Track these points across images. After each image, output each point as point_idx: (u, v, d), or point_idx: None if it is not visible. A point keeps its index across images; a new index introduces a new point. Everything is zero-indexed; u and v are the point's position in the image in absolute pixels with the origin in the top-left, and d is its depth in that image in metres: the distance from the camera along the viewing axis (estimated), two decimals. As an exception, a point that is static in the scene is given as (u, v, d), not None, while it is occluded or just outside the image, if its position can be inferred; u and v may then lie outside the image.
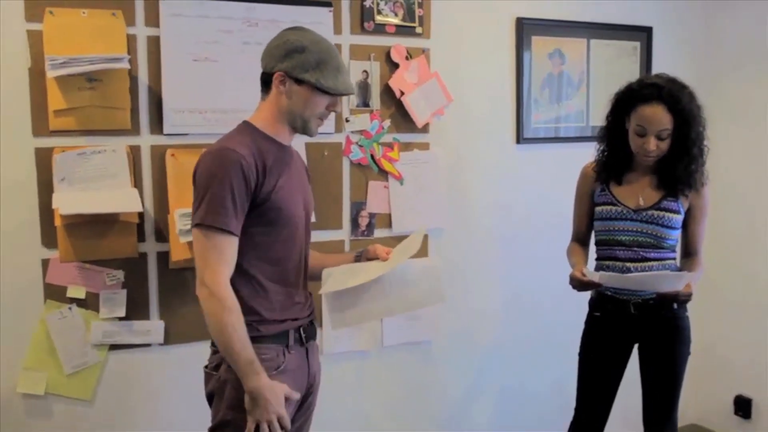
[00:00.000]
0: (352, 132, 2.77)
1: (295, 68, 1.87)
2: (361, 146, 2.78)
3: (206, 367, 1.95)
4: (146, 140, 2.46)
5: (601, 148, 2.51)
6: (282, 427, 1.83)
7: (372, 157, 2.81)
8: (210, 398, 1.94)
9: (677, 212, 2.41)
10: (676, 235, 2.45)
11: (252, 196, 1.84)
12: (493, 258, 3.15)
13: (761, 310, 3.43)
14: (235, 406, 1.84)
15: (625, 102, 2.39)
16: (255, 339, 1.85)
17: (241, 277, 1.86)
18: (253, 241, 1.88)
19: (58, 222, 2.30)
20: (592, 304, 2.57)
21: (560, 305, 3.13)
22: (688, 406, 3.77)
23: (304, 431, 2.10)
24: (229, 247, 1.82)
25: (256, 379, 1.79)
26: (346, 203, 2.79)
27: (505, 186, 3.14)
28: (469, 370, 3.15)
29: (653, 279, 2.34)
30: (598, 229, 2.51)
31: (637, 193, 2.44)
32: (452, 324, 3.07)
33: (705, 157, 2.41)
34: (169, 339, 2.54)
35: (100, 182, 2.37)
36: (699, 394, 3.75)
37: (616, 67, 3.33)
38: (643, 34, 3.40)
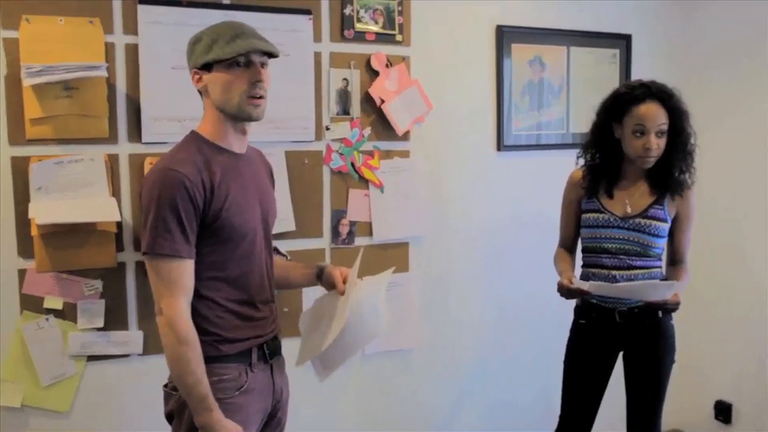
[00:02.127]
0: (333, 140, 2.76)
1: (198, 58, 1.81)
2: (341, 154, 2.78)
3: (166, 386, 1.88)
4: (124, 149, 2.44)
5: (588, 159, 2.51)
6: None
7: (352, 165, 2.80)
8: (169, 418, 1.88)
9: (664, 220, 2.42)
10: (663, 243, 2.46)
11: (201, 215, 1.75)
12: (475, 266, 3.15)
13: (741, 316, 3.45)
14: (195, 430, 1.77)
15: (616, 108, 2.40)
16: (216, 359, 1.80)
17: (198, 300, 1.79)
18: (208, 261, 1.79)
19: (34, 232, 2.27)
20: (578, 311, 2.58)
21: (543, 313, 3.14)
22: (669, 412, 3.75)
23: None
24: (183, 272, 1.73)
25: (208, 416, 1.73)
26: (326, 211, 2.78)
27: (486, 193, 3.14)
28: (451, 378, 3.15)
29: (643, 288, 2.34)
30: (584, 236, 2.51)
31: (624, 200, 2.45)
32: (434, 332, 3.06)
33: (693, 158, 2.43)
34: (148, 349, 2.51)
35: (77, 191, 2.35)
36: (680, 400, 3.76)
37: (596, 74, 3.35)
38: (622, 42, 3.42)
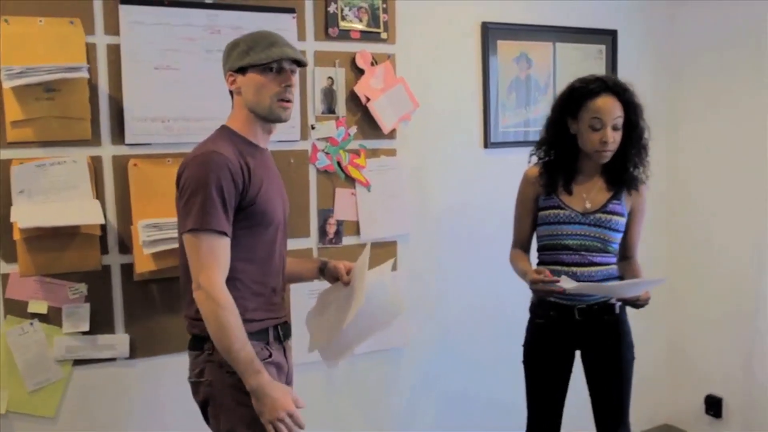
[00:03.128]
0: (318, 139, 2.75)
1: (234, 62, 1.96)
2: (327, 153, 2.76)
3: (190, 377, 1.97)
4: (108, 151, 2.41)
5: (543, 156, 2.50)
6: (297, 425, 1.83)
7: (338, 164, 2.79)
8: (204, 405, 1.95)
9: (622, 215, 2.42)
10: (620, 238, 2.45)
11: (239, 198, 1.88)
12: (462, 263, 3.14)
13: (731, 311, 3.46)
14: (232, 410, 1.88)
15: (571, 103, 2.39)
16: None
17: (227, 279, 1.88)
18: (239, 243, 1.90)
19: (17, 236, 2.25)
20: (534, 310, 2.54)
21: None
22: (660, 407, 3.79)
23: None
24: (224, 248, 1.85)
25: (258, 378, 1.81)
26: (313, 211, 2.77)
27: (473, 191, 3.14)
28: (440, 376, 3.14)
29: (625, 285, 2.34)
30: (542, 234, 2.48)
31: (582, 196, 2.43)
32: (422, 330, 3.05)
33: (647, 153, 2.43)
34: (135, 353, 2.49)
35: (60, 194, 2.32)
36: (670, 395, 3.78)
37: (582, 70, 3.29)
38: (608, 37, 3.43)
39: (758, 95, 3.25)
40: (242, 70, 1.95)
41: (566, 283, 2.27)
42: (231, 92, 2.02)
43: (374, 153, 2.87)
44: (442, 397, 3.15)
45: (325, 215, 2.78)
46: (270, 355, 1.95)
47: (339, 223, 2.81)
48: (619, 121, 2.33)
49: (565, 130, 2.41)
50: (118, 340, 2.47)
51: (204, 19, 2.50)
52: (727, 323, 3.48)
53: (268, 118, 1.98)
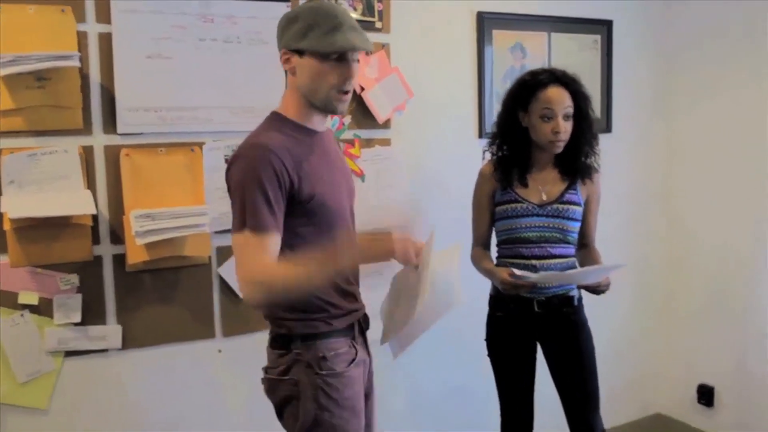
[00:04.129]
0: (313, 129, 2.72)
1: (290, 40, 1.78)
2: (321, 143, 2.74)
3: (270, 374, 1.89)
4: (99, 140, 2.39)
5: (497, 151, 2.50)
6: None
7: (333, 154, 2.77)
8: (282, 403, 1.88)
9: (578, 204, 2.44)
10: (578, 227, 2.47)
11: (290, 192, 1.75)
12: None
13: (723, 301, 3.47)
14: (311, 411, 1.81)
15: (522, 95, 2.40)
16: (328, 334, 1.85)
17: None
18: (309, 240, 1.81)
19: (7, 226, 2.23)
20: (493, 303, 2.54)
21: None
22: (652, 396, 3.81)
23: (374, 424, 2.08)
24: (270, 244, 1.73)
25: (337, 266, 1.79)
26: (307, 201, 2.75)
27: (468, 180, 3.09)
28: (438, 368, 3.14)
29: (585, 272, 2.35)
30: (501, 229, 2.48)
31: (538, 188, 2.44)
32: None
33: (596, 143, 2.45)
34: (127, 344, 2.48)
35: (51, 184, 2.30)
36: (662, 384, 3.79)
37: (577, 60, 3.33)
38: (603, 28, 3.41)
39: (754, 86, 3.25)
40: (299, 52, 1.77)
41: (530, 276, 2.29)
42: (285, 70, 1.85)
43: (369, 143, 2.85)
44: (423, 390, 3.15)
45: (319, 206, 2.77)
46: (356, 355, 1.90)
47: (333, 213, 2.79)
48: (570, 111, 2.35)
49: (517, 124, 2.42)
50: (110, 331, 2.45)
51: (197, 8, 2.47)
52: (720, 313, 3.49)
53: (324, 109, 1.84)
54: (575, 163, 2.43)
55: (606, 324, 3.53)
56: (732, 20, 3.32)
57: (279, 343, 1.89)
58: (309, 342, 1.84)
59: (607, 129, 3.46)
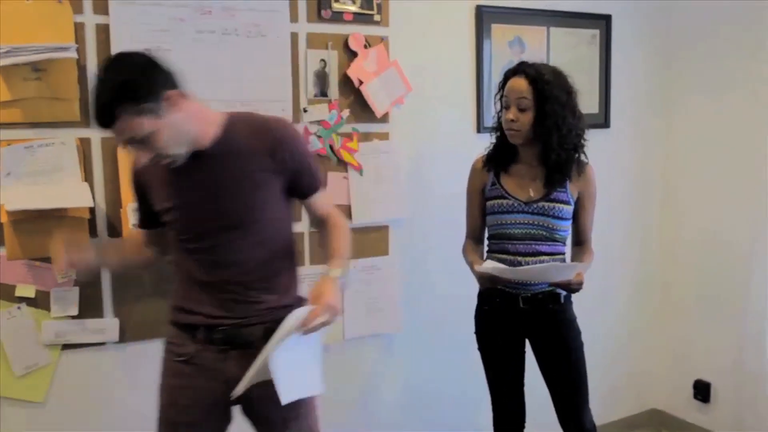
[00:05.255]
0: (310, 122, 2.71)
1: None
2: (319, 137, 2.73)
3: None
4: (97, 132, 2.36)
5: (491, 144, 2.52)
6: None
7: (331, 147, 2.76)
8: None
9: (567, 203, 2.41)
10: (567, 226, 2.45)
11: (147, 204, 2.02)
12: (455, 248, 3.11)
13: (720, 297, 3.47)
14: None
15: (499, 88, 2.43)
16: None
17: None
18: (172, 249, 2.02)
19: (4, 218, 2.22)
20: (481, 297, 2.55)
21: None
22: (649, 391, 3.81)
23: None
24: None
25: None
26: (305, 195, 2.74)
27: (466, 175, 3.10)
28: (434, 362, 3.13)
29: (544, 270, 2.34)
30: (490, 224, 2.49)
31: (527, 185, 2.43)
32: (415, 316, 3.04)
33: (573, 138, 2.36)
34: (125, 337, 2.47)
35: (48, 176, 2.29)
36: (659, 380, 3.80)
37: (576, 55, 3.33)
38: (602, 22, 3.40)
39: (753, 81, 3.25)
40: None
41: (485, 269, 2.30)
42: None
43: (367, 137, 2.84)
44: (436, 383, 3.15)
45: (317, 199, 2.76)
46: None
47: (331, 207, 2.79)
48: (525, 102, 2.32)
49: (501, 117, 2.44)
50: (108, 324, 2.44)
51: (194, 2, 2.46)
52: (717, 309, 3.49)
53: None
54: (547, 161, 2.38)
55: (603, 319, 3.55)
56: (731, 15, 3.32)
57: None
58: None
59: (605, 124, 3.46)
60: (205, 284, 1.95)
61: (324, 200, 2.07)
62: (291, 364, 1.83)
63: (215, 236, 1.92)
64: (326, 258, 1.98)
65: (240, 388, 1.85)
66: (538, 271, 2.34)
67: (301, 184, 1.99)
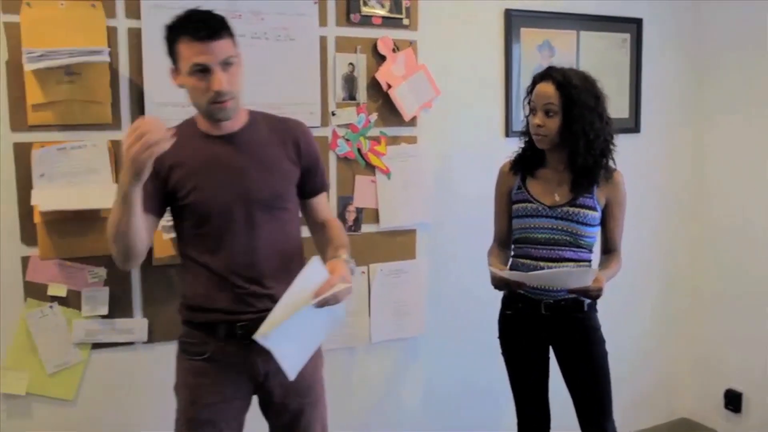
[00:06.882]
0: (339, 126, 2.72)
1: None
2: (347, 140, 2.74)
3: None
4: (128, 135, 2.40)
5: (520, 143, 2.51)
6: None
7: (359, 151, 2.77)
8: None
9: (593, 209, 2.38)
10: (594, 232, 2.41)
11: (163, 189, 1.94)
12: (482, 252, 3.09)
13: (751, 304, 3.42)
14: None
15: (527, 93, 2.42)
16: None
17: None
18: (182, 240, 2.02)
19: (37, 219, 2.26)
20: (505, 302, 2.54)
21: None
22: (679, 401, 3.76)
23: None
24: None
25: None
26: (332, 198, 2.75)
27: (493, 179, 3.09)
28: (459, 367, 3.12)
29: (556, 275, 2.30)
30: (515, 228, 2.47)
31: (553, 190, 2.41)
32: (441, 320, 3.04)
33: (600, 143, 2.33)
34: (153, 337, 2.50)
35: (80, 178, 2.33)
36: (689, 389, 3.74)
37: (606, 59, 3.30)
38: (633, 26, 3.37)
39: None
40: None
41: (502, 274, 2.28)
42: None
43: (395, 140, 2.84)
44: (461, 385, 3.14)
45: (344, 202, 2.77)
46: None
47: (358, 210, 2.80)
48: (551, 107, 2.30)
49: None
50: (137, 324, 2.48)
51: (225, 4, 2.48)
52: (748, 318, 3.43)
53: (210, 119, 1.98)
54: (573, 166, 2.36)
55: (631, 326, 3.51)
56: (765, 21, 3.26)
57: None
58: None
59: (636, 129, 3.42)
60: (223, 279, 1.95)
61: (326, 204, 2.18)
62: (294, 340, 1.85)
63: (242, 215, 1.95)
64: (331, 249, 2.00)
65: (263, 329, 1.82)
66: (551, 276, 2.31)
67: (312, 182, 2.10)
